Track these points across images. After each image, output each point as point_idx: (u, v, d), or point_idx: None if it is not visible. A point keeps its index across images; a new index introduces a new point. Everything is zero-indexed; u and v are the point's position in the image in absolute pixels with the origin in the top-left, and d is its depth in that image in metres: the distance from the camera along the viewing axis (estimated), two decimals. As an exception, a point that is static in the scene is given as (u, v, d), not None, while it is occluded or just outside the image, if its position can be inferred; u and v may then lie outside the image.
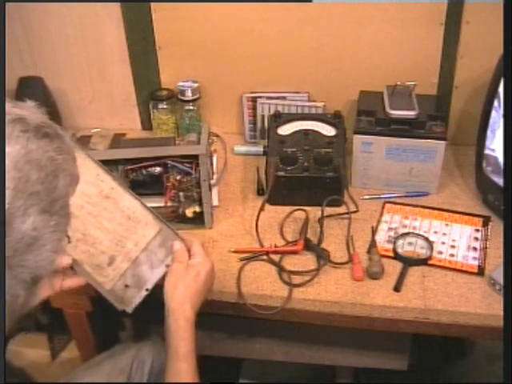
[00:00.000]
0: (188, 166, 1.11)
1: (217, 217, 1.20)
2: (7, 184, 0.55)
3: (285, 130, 1.29)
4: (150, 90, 1.43)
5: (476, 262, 1.06)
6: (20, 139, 0.58)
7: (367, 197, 1.24)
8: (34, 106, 0.63)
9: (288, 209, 1.20)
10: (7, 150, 0.56)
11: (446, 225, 1.15)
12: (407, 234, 1.13)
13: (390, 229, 1.15)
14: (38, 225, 0.58)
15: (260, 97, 1.39)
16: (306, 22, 1.29)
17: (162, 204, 1.13)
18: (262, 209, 1.15)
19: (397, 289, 1.02)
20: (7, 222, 0.55)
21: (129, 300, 0.92)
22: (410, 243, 1.11)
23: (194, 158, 1.10)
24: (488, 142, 1.14)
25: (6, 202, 0.55)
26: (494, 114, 1.11)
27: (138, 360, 1.13)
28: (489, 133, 1.13)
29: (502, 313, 0.94)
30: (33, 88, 1.38)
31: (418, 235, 1.12)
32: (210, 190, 1.15)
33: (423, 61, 1.29)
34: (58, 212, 0.61)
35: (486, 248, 1.09)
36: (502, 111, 1.08)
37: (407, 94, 1.24)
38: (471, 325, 0.99)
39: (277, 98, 1.39)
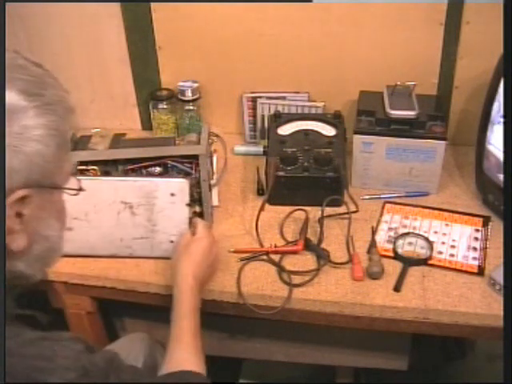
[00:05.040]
0: (188, 165, 1.11)
1: (217, 217, 1.20)
2: None
3: (285, 129, 1.29)
4: (149, 90, 1.43)
5: (476, 262, 1.06)
6: (8, 52, 0.63)
7: (367, 197, 1.24)
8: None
9: (288, 209, 1.20)
10: None
11: (446, 225, 1.15)
12: (407, 233, 1.13)
13: (389, 229, 1.15)
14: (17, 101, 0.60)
15: (260, 97, 1.39)
16: (306, 22, 1.29)
17: (162, 204, 1.13)
18: (261, 209, 1.15)
19: (397, 289, 1.02)
20: None
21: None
22: (410, 243, 1.11)
23: (194, 158, 1.09)
24: (488, 142, 1.14)
25: None
26: (493, 114, 1.11)
27: (131, 357, 1.13)
28: (489, 133, 1.13)
29: (501, 313, 0.94)
30: (33, 88, 1.38)
31: (418, 235, 1.12)
32: (210, 190, 1.15)
33: (423, 61, 1.29)
34: (44, 105, 0.62)
35: (486, 248, 1.09)
36: (502, 111, 1.08)
37: (407, 94, 1.24)
38: (471, 325, 0.99)
39: (277, 97, 1.39)
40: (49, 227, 0.68)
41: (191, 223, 1.06)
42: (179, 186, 1.04)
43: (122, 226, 1.07)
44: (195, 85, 1.38)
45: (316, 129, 1.28)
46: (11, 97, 0.59)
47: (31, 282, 0.70)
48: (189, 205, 1.06)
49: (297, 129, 1.28)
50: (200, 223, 1.05)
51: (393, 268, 1.06)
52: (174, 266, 0.99)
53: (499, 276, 0.99)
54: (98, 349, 0.67)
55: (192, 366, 0.84)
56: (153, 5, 1.32)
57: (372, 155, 1.22)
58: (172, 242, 1.06)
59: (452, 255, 1.08)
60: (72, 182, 0.71)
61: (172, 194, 1.04)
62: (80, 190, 0.72)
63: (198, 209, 1.14)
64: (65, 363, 0.59)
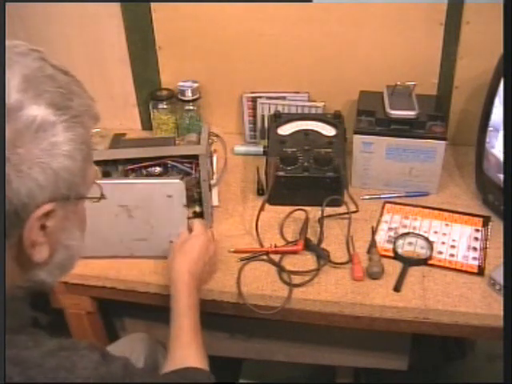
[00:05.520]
0: (188, 165, 1.11)
1: (217, 217, 1.20)
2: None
3: (285, 129, 1.29)
4: (149, 90, 1.43)
5: (476, 262, 1.06)
6: (37, 61, 0.61)
7: (367, 197, 1.24)
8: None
9: (288, 209, 1.20)
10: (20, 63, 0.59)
11: (446, 225, 1.15)
12: (407, 234, 1.13)
13: (389, 229, 1.15)
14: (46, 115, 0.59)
15: (260, 97, 1.39)
16: (306, 21, 1.29)
17: (162, 204, 1.13)
18: (262, 209, 1.15)
19: (397, 289, 1.02)
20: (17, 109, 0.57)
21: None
22: (410, 243, 1.11)
23: (193, 158, 1.10)
24: (488, 142, 1.14)
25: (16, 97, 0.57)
26: (494, 113, 1.11)
27: (131, 358, 1.13)
28: (489, 133, 1.13)
29: (501, 313, 0.94)
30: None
31: (418, 235, 1.12)
32: (210, 189, 1.15)
33: (423, 61, 1.29)
34: (72, 118, 0.61)
35: (486, 248, 1.09)
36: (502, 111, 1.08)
37: (407, 94, 1.24)
38: (471, 325, 0.99)
39: (277, 97, 1.39)
40: (71, 237, 0.68)
41: (189, 224, 1.07)
42: (175, 187, 1.04)
43: (120, 228, 1.07)
44: (195, 85, 1.38)
45: (316, 129, 1.28)
46: (40, 112, 0.58)
47: (49, 288, 0.70)
48: (186, 205, 1.06)
49: (297, 129, 1.28)
50: (196, 222, 1.06)
51: (393, 268, 1.06)
52: (170, 265, 1.00)
53: (499, 276, 0.99)
54: (111, 354, 0.66)
55: (194, 363, 0.85)
56: (153, 5, 1.32)
57: (372, 155, 1.22)
58: (172, 242, 1.06)
59: (452, 255, 1.08)
60: (94, 190, 0.71)
61: (169, 196, 1.04)
62: (102, 197, 0.72)
63: (198, 209, 1.14)
64: (84, 374, 0.60)
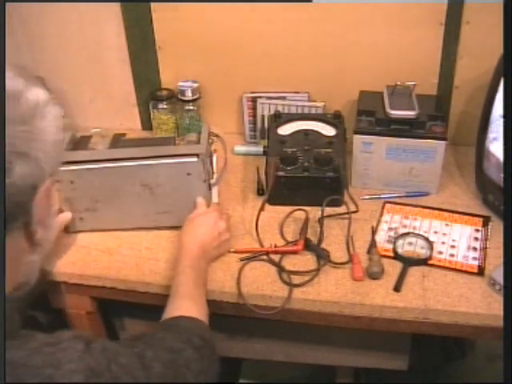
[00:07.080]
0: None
1: (217, 217, 1.20)
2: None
3: (285, 129, 1.29)
4: (150, 90, 1.43)
5: (476, 262, 1.06)
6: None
7: (367, 197, 1.24)
8: None
9: (288, 209, 1.20)
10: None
11: (446, 225, 1.15)
12: (407, 234, 1.13)
13: (389, 229, 1.15)
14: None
15: (260, 97, 1.39)
16: (305, 21, 1.29)
17: (162, 204, 1.13)
18: (262, 209, 1.15)
19: (397, 289, 1.02)
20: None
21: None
22: (410, 243, 1.11)
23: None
24: (488, 142, 1.14)
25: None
26: (494, 113, 1.11)
27: None
28: (489, 133, 1.13)
29: (501, 313, 0.94)
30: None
31: (418, 235, 1.12)
32: (210, 189, 1.16)
33: (423, 61, 1.29)
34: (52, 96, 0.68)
35: (486, 248, 1.09)
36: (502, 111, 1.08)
37: (407, 94, 1.24)
38: (471, 325, 0.99)
39: (277, 97, 1.39)
40: (50, 215, 0.71)
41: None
42: (193, 165, 1.07)
43: (143, 204, 1.11)
44: (195, 85, 1.38)
45: (316, 129, 1.28)
46: (40, 92, 0.65)
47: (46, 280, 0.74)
48: (205, 180, 1.09)
49: (297, 129, 1.28)
50: (212, 202, 1.14)
51: (393, 268, 1.06)
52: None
53: (499, 276, 0.99)
54: (94, 339, 0.66)
55: (188, 313, 0.87)
56: (153, 5, 1.32)
57: (372, 155, 1.22)
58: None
59: (452, 255, 1.08)
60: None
61: (188, 174, 1.08)
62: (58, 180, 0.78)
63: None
64: (71, 367, 0.60)
